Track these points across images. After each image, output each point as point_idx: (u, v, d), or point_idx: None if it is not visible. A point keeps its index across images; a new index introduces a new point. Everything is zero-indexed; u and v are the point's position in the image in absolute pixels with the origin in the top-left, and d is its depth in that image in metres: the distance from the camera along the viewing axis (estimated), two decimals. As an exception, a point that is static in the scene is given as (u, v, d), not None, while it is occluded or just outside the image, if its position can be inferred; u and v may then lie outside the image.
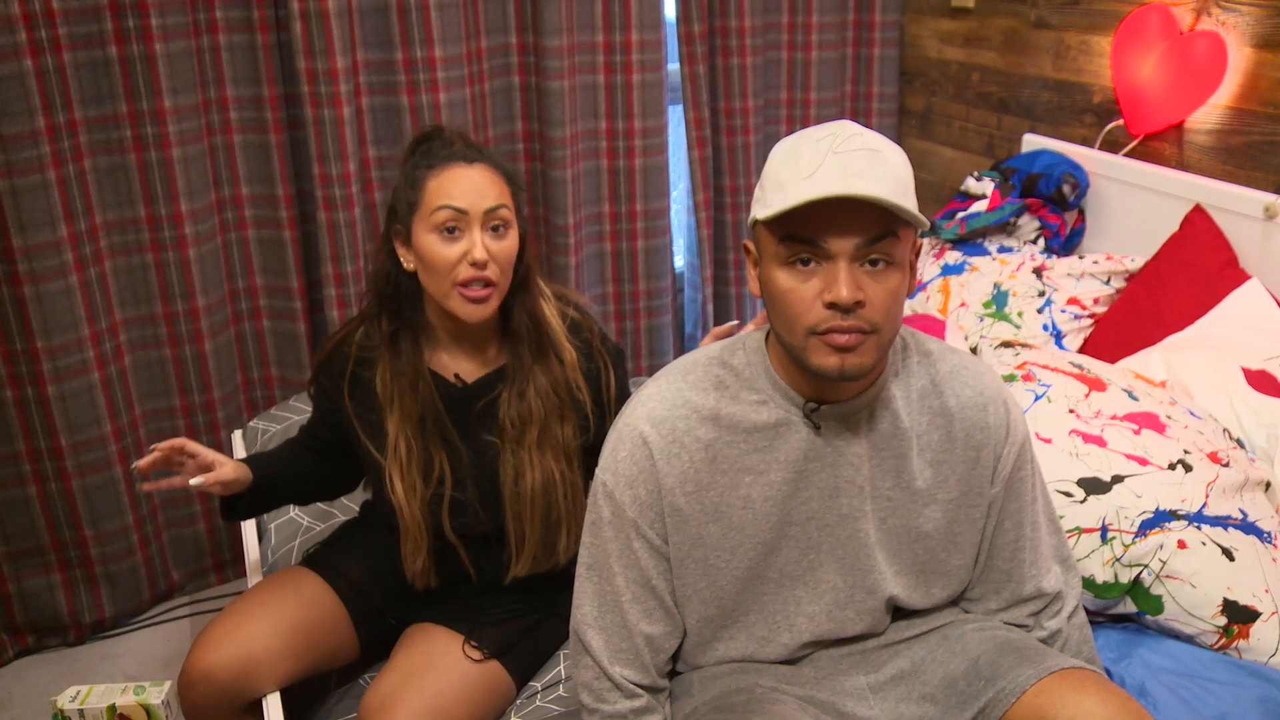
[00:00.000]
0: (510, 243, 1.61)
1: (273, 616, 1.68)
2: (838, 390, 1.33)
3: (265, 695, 1.66)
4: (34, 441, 2.43)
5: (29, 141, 2.23)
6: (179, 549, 2.73)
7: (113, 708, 2.27)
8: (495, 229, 1.59)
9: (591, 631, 1.40)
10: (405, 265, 1.64)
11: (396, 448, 1.67)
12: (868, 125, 3.29)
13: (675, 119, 3.13)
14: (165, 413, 2.63)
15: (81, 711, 2.27)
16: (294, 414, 2.42)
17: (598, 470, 1.41)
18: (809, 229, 1.21)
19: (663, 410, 1.37)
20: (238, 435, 2.49)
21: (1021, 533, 1.45)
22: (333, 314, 2.67)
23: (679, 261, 3.41)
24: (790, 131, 3.26)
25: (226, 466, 1.70)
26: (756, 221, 1.27)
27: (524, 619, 1.78)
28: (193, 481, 1.66)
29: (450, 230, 1.57)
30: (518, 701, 1.74)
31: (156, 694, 2.29)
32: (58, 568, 2.55)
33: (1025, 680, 1.33)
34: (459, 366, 1.71)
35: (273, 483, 1.80)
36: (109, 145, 2.39)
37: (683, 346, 3.39)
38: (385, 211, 1.67)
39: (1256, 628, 1.60)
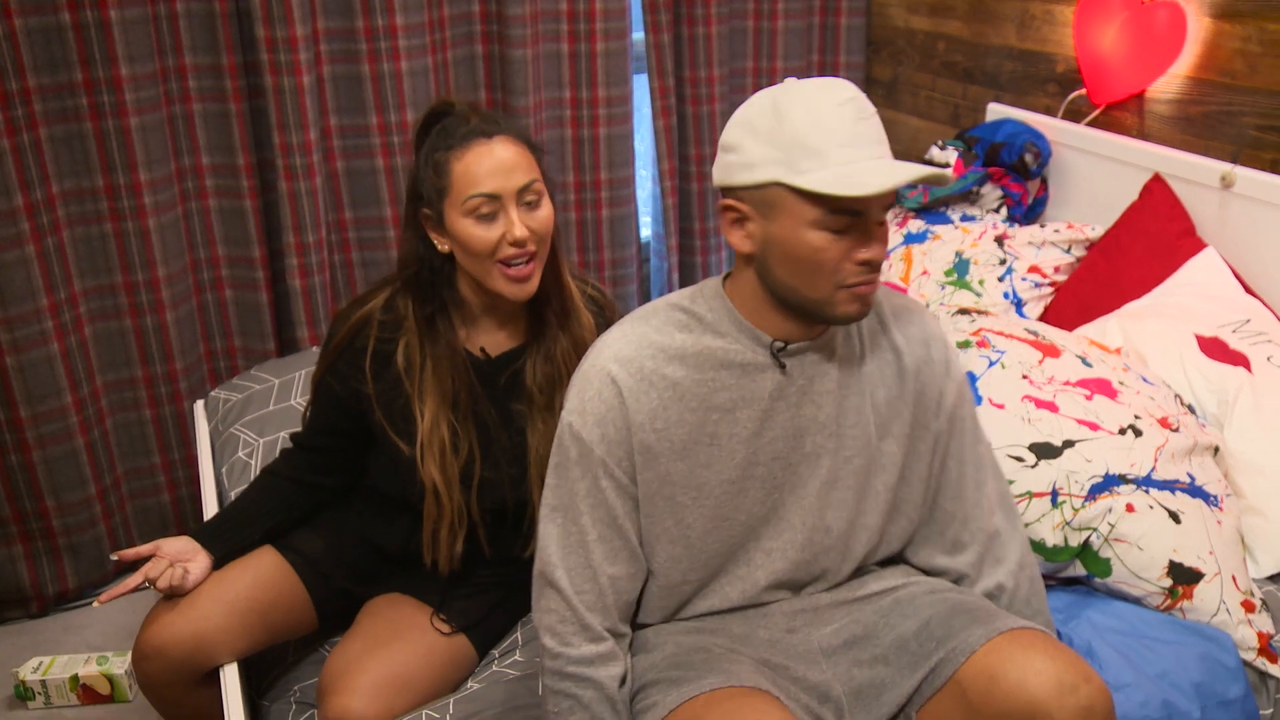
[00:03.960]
0: (545, 212, 1.60)
1: (227, 595, 1.67)
2: (805, 331, 1.38)
3: (221, 666, 1.66)
4: (-8, 412, 2.42)
5: (-19, 111, 2.21)
6: (142, 519, 2.73)
7: (75, 678, 2.28)
8: (530, 203, 1.58)
9: (559, 572, 1.40)
10: (440, 248, 1.63)
11: (435, 430, 1.65)
12: (834, 94, 3.29)
13: (640, 88, 3.12)
14: (127, 383, 2.61)
15: (44, 682, 2.27)
16: (256, 384, 2.41)
17: (564, 413, 1.42)
18: (859, 200, 1.27)
19: (629, 350, 1.39)
20: (199, 405, 2.48)
21: (964, 470, 1.49)
22: (295, 283, 2.66)
23: (644, 231, 3.41)
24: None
25: (191, 571, 1.68)
26: (778, 185, 1.28)
27: (491, 594, 1.79)
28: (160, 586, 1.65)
29: (487, 214, 1.56)
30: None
31: (120, 664, 2.30)
32: (19, 539, 2.54)
33: (975, 640, 1.35)
34: (485, 341, 1.71)
35: (243, 545, 1.76)
36: (65, 113, 2.36)
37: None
38: (406, 193, 1.65)
39: (1200, 588, 1.63)
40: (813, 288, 1.32)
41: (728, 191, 1.34)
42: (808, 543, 1.45)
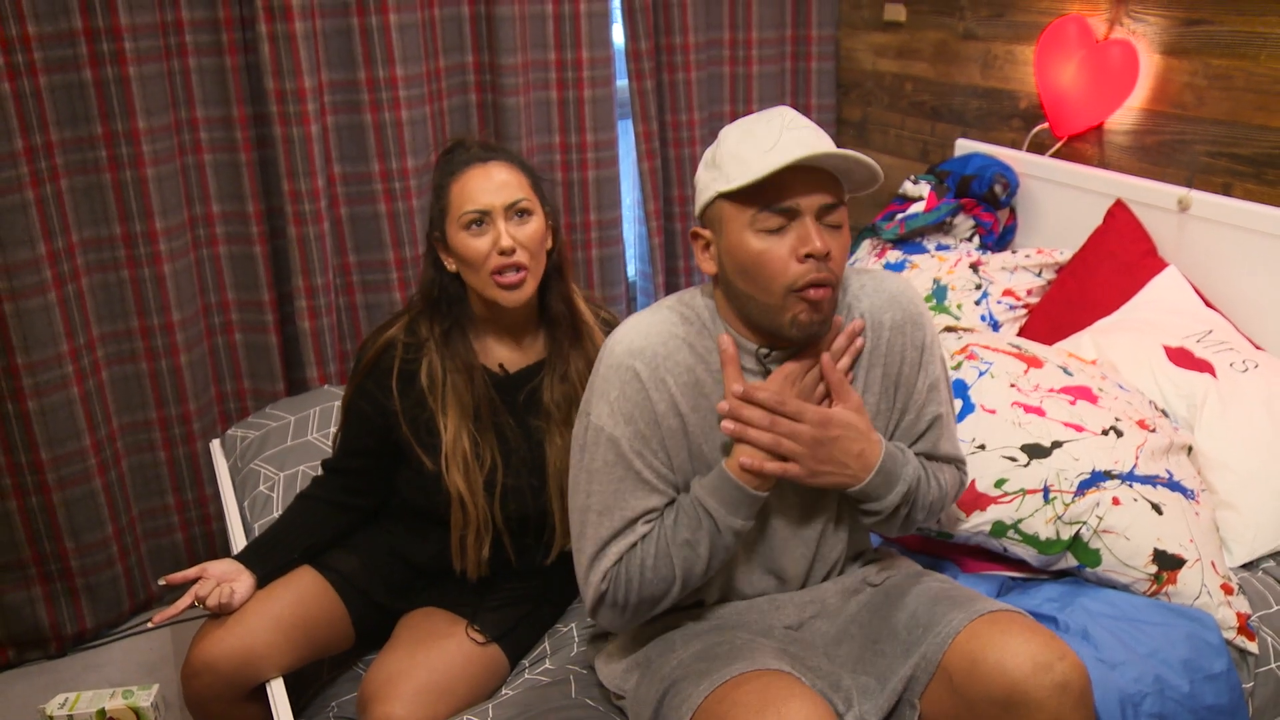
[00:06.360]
0: (533, 227, 1.74)
1: (272, 611, 1.76)
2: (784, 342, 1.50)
3: (267, 681, 1.74)
4: (14, 456, 2.48)
5: (8, 162, 2.30)
6: (158, 559, 2.79)
7: (102, 712, 2.32)
8: (519, 215, 1.73)
9: (591, 562, 1.52)
10: (449, 268, 1.78)
11: (458, 441, 1.77)
12: (808, 135, 3.45)
13: (625, 133, 3.26)
14: (142, 425, 2.69)
15: (71, 717, 2.31)
16: (272, 421, 2.50)
17: (590, 417, 1.50)
18: (781, 194, 1.39)
19: (640, 341, 1.49)
20: (216, 444, 2.57)
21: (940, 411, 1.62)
22: (304, 325, 2.76)
23: (631, 270, 3.54)
24: (735, 143, 3.40)
25: (236, 590, 1.76)
26: (720, 197, 1.43)
27: (521, 605, 1.88)
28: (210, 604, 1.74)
29: (478, 225, 1.71)
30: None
31: (145, 697, 2.35)
32: (38, 581, 2.59)
33: (957, 624, 1.44)
34: (502, 357, 1.84)
35: (283, 564, 1.85)
36: (85, 165, 2.46)
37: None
38: (425, 229, 1.82)
39: (1183, 573, 1.76)
40: (766, 293, 1.42)
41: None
42: (816, 505, 1.58)
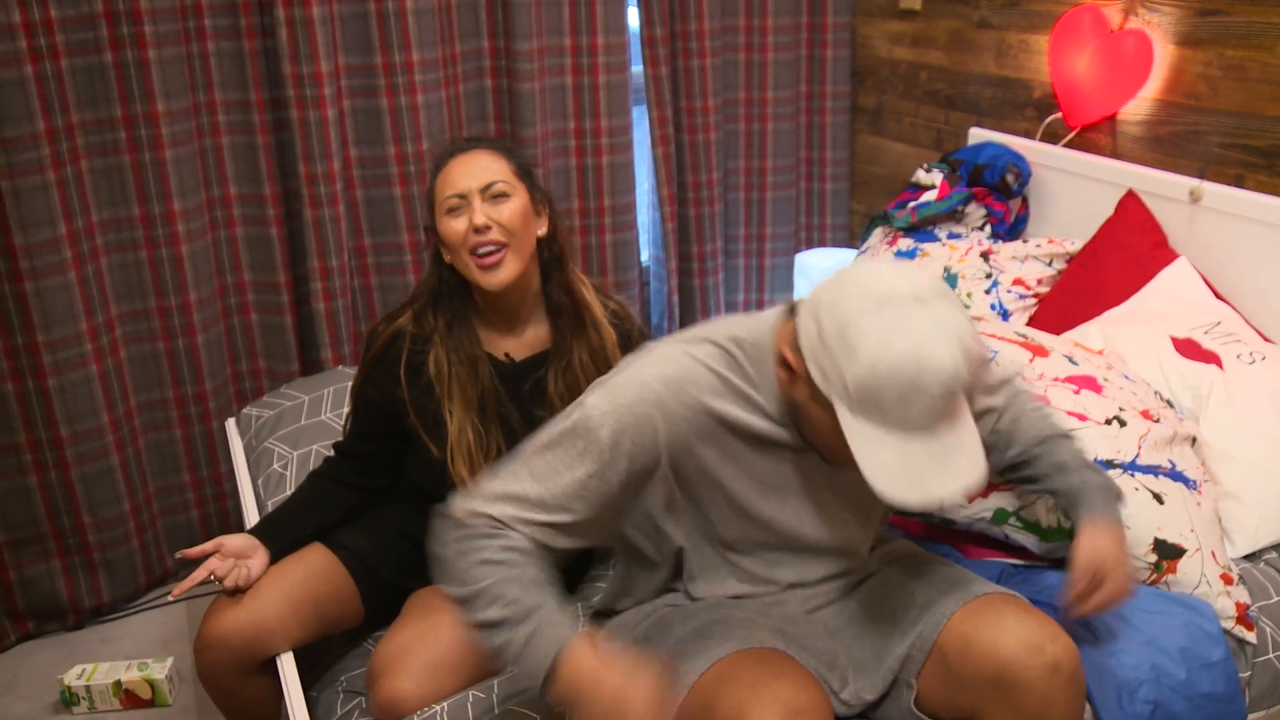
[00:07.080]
0: (511, 208, 1.76)
1: (283, 588, 1.79)
2: None
3: (278, 655, 1.78)
4: (34, 432, 2.53)
5: (29, 144, 2.34)
6: (173, 534, 2.84)
7: (118, 683, 2.38)
8: (495, 198, 1.75)
9: (485, 498, 1.42)
10: (445, 259, 1.81)
11: (463, 434, 1.80)
12: (822, 123, 3.47)
13: (640, 118, 3.28)
14: (159, 404, 2.73)
15: (88, 688, 2.37)
16: (286, 400, 2.53)
17: (592, 401, 1.42)
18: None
19: (675, 371, 1.43)
20: (231, 423, 2.60)
21: None
22: (319, 306, 2.79)
23: (644, 255, 3.56)
24: (749, 129, 3.41)
25: (252, 568, 1.79)
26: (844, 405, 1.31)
27: None
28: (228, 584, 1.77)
29: (456, 209, 1.75)
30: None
31: (160, 669, 2.40)
32: (57, 555, 2.64)
33: (952, 606, 1.46)
34: (509, 346, 1.87)
35: (295, 541, 1.88)
36: (105, 147, 2.50)
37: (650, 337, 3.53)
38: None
39: (1183, 563, 1.77)
40: (829, 453, 1.43)
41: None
42: (844, 538, 1.59)
